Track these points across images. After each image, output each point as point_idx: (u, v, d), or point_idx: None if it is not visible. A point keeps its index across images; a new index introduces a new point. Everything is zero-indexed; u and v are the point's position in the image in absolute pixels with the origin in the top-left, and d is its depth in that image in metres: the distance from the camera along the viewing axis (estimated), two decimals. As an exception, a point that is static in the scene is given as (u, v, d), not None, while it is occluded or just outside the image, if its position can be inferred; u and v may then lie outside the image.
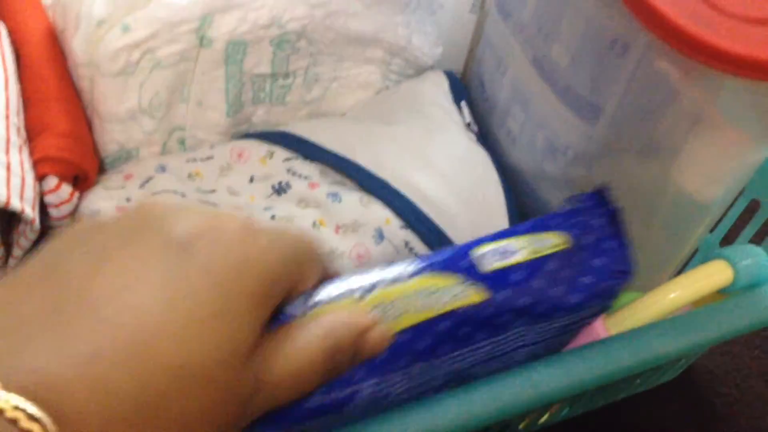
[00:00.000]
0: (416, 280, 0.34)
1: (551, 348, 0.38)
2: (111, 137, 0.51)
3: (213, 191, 0.50)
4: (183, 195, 0.48)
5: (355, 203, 0.50)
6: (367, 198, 0.50)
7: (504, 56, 0.52)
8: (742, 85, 0.40)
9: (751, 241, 0.56)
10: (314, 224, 0.49)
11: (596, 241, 0.38)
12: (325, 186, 0.50)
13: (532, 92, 0.49)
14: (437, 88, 0.58)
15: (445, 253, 0.36)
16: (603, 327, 0.43)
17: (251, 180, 0.51)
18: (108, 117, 0.49)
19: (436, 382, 0.34)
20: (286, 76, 0.54)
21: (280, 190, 0.51)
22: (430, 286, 0.34)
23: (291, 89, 0.55)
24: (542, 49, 0.47)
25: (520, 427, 0.51)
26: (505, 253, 0.36)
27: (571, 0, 0.43)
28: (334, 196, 0.50)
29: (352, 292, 0.33)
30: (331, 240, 0.48)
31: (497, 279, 0.35)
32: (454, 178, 0.52)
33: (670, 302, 0.44)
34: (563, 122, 0.47)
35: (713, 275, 0.45)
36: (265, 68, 0.52)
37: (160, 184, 0.49)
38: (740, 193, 0.57)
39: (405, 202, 0.50)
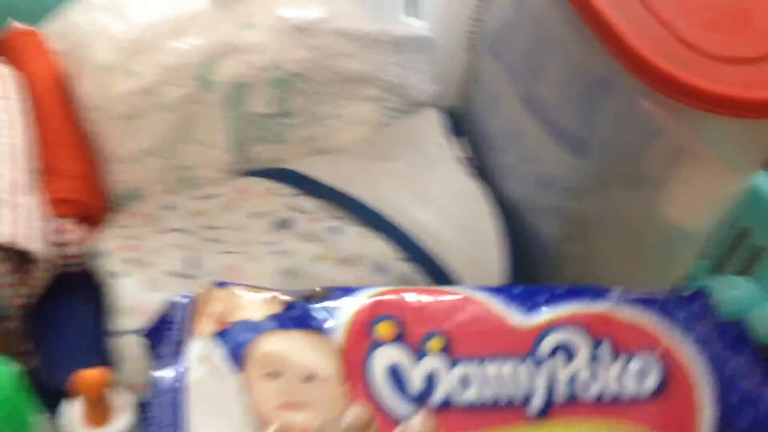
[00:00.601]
0: None
1: None
2: (118, 177, 0.52)
3: (217, 228, 0.52)
4: (189, 233, 0.50)
5: (355, 237, 0.51)
6: (366, 232, 0.52)
7: (496, 93, 0.54)
8: (720, 122, 0.42)
9: (742, 266, 0.58)
10: (316, 258, 0.51)
11: None
12: (326, 221, 0.52)
13: (523, 128, 0.51)
14: (432, 124, 0.60)
15: None
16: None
17: (254, 216, 0.53)
18: (114, 158, 0.51)
19: None
20: (286, 115, 0.56)
21: (282, 225, 0.52)
22: None
23: (291, 127, 0.57)
24: (531, 87, 0.49)
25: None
26: None
27: (557, 41, 0.45)
28: (335, 231, 0.52)
29: None
30: (332, 273, 0.50)
31: None
32: (449, 210, 0.54)
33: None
34: (553, 157, 0.49)
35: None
36: (265, 108, 0.54)
37: (166, 223, 0.51)
38: (730, 222, 0.59)
39: (403, 235, 0.52)
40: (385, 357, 0.35)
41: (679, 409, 0.36)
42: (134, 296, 0.45)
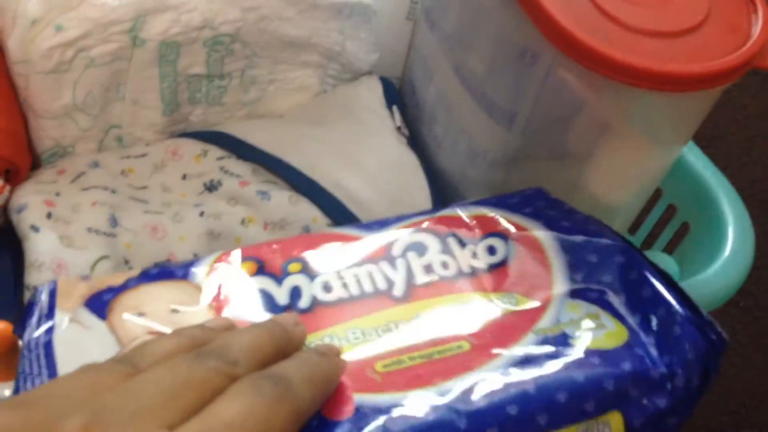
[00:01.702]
0: None
1: None
2: (46, 133, 0.52)
3: (145, 188, 0.52)
4: (114, 191, 0.50)
5: (284, 202, 0.51)
6: (296, 197, 0.52)
7: (430, 63, 0.54)
8: (644, 96, 0.42)
9: (669, 243, 0.59)
10: (243, 221, 0.50)
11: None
12: (256, 184, 0.52)
13: (455, 99, 0.51)
14: (371, 92, 0.60)
15: None
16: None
17: (184, 177, 0.53)
18: (43, 113, 0.51)
19: None
20: (222, 77, 0.55)
21: (211, 187, 0.52)
22: None
23: (227, 90, 0.57)
24: (462, 58, 0.49)
25: None
26: None
27: (485, 11, 0.45)
28: (264, 195, 0.51)
29: None
30: (259, 237, 0.50)
31: None
32: (382, 180, 0.54)
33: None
34: (482, 128, 0.49)
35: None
36: (199, 69, 0.54)
37: (91, 180, 0.50)
38: (659, 197, 0.60)
39: (333, 201, 0.52)
40: (250, 286, 0.37)
41: (532, 266, 0.39)
42: (51, 252, 0.44)
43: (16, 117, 0.50)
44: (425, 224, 0.41)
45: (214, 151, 0.54)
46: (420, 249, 0.39)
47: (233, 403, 0.26)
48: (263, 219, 0.51)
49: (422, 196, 0.54)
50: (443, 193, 0.55)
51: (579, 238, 0.39)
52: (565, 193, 0.49)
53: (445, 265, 0.39)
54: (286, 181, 0.53)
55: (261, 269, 0.38)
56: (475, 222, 0.41)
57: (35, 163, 0.53)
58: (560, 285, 0.38)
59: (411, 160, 0.56)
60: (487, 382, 0.32)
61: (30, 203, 0.46)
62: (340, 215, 0.51)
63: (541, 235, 0.40)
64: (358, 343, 0.34)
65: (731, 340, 0.90)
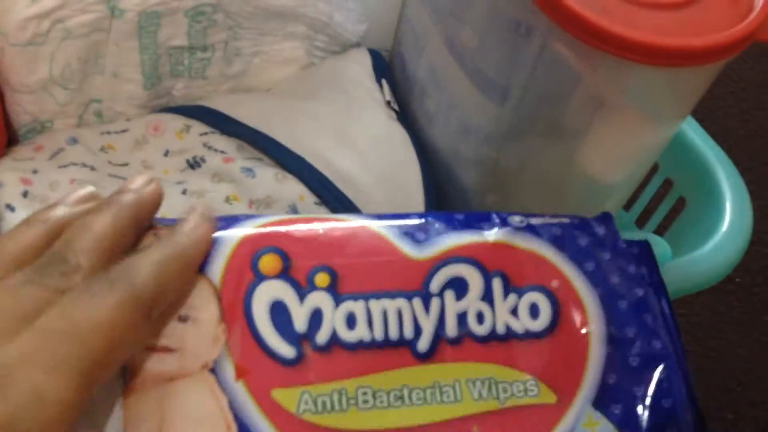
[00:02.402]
0: None
1: None
2: (23, 108, 0.50)
3: (125, 165, 0.50)
4: (93, 168, 0.48)
5: (270, 179, 0.50)
6: (282, 174, 0.50)
7: (421, 36, 0.52)
8: (641, 70, 0.40)
9: (665, 219, 0.58)
10: (227, 199, 0.49)
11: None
12: (240, 161, 0.50)
13: (446, 73, 0.50)
14: (360, 65, 0.58)
15: None
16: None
17: (166, 154, 0.51)
18: (19, 87, 0.49)
19: None
20: (204, 49, 0.53)
21: (194, 164, 0.50)
22: None
23: (211, 63, 0.55)
24: (454, 30, 0.47)
25: None
26: None
27: (479, -18, 0.44)
28: (249, 171, 0.50)
29: None
30: (243, 215, 0.48)
31: None
32: (371, 156, 0.52)
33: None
34: (474, 103, 0.48)
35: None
36: (181, 41, 0.52)
37: (70, 157, 0.49)
38: (655, 172, 0.58)
39: (320, 178, 0.50)
40: (269, 292, 0.33)
41: (569, 346, 0.34)
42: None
43: (-10, 91, 0.48)
44: (474, 245, 0.36)
45: (198, 127, 0.52)
46: (460, 288, 0.34)
47: (69, 310, 0.27)
48: (248, 197, 0.49)
49: (413, 174, 0.53)
50: (434, 170, 0.54)
51: (626, 327, 0.35)
52: (559, 171, 0.48)
53: (480, 319, 0.34)
54: (272, 157, 0.51)
55: (285, 271, 0.33)
56: (525, 260, 0.36)
57: (12, 140, 0.51)
58: (589, 386, 0.34)
59: (401, 135, 0.54)
60: None
61: (5, 181, 0.45)
62: (327, 193, 0.50)
63: (593, 312, 0.35)
64: (368, 409, 0.32)
65: (728, 317, 0.90)
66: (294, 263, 0.34)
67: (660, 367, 0.34)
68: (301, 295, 0.33)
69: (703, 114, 1.06)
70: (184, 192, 0.48)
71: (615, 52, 0.39)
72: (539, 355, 0.34)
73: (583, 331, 0.35)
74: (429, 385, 0.33)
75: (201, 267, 0.33)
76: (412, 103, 0.56)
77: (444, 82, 0.51)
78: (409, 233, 0.35)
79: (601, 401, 0.33)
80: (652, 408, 0.34)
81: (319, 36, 0.58)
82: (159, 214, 0.47)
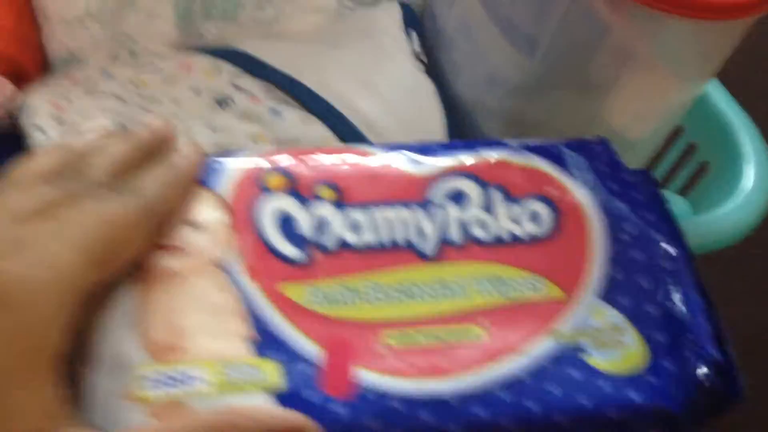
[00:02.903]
0: None
1: None
2: (58, 40, 0.51)
3: (156, 100, 0.51)
4: (124, 101, 0.49)
5: (296, 121, 0.50)
6: (308, 117, 0.51)
7: (453, -15, 0.53)
8: (673, 24, 0.41)
9: (688, 181, 0.58)
10: (254, 138, 0.50)
11: None
12: (268, 102, 0.51)
13: (476, 23, 0.50)
14: (389, 16, 0.58)
15: None
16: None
17: (194, 91, 0.52)
18: (56, 19, 0.50)
19: None
20: (237, -9, 0.54)
21: (222, 103, 0.51)
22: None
23: (243, 7, 0.55)
24: (486, -21, 0.48)
25: None
26: None
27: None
28: (276, 113, 0.51)
29: None
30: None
31: None
32: (397, 104, 0.53)
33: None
34: (503, 55, 0.48)
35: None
36: (214, -20, 0.52)
37: (102, 88, 0.49)
38: (680, 135, 0.58)
39: (345, 123, 0.51)
40: (275, 204, 0.35)
41: (573, 246, 0.36)
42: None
43: (26, 20, 0.49)
44: (471, 162, 0.38)
45: (227, 68, 0.53)
46: (460, 199, 0.36)
47: (81, 205, 0.30)
48: (274, 137, 0.50)
49: (436, 123, 0.53)
50: (458, 121, 0.54)
51: (631, 227, 0.37)
52: (583, 124, 0.48)
53: (483, 226, 0.36)
54: (299, 101, 0.52)
55: (291, 188, 0.35)
56: (524, 174, 0.38)
57: (48, 71, 0.52)
58: (594, 281, 0.35)
59: (427, 86, 0.55)
60: (492, 394, 0.31)
61: (37, 104, 0.46)
62: (352, 138, 0.50)
63: (593, 213, 0.37)
64: (374, 301, 0.33)
65: (746, 283, 0.89)
66: (299, 181, 0.36)
67: (667, 265, 0.36)
68: (307, 206, 0.35)
69: (731, 80, 1.03)
70: (213, 130, 0.49)
71: (645, 2, 0.39)
72: (543, 256, 0.35)
73: (586, 231, 0.36)
74: (435, 282, 0.34)
75: (211, 184, 0.35)
76: (440, 56, 0.57)
77: (473, 34, 0.51)
78: (410, 156, 0.38)
79: (610, 294, 0.35)
80: (663, 305, 0.35)
81: (350, -15, 0.58)
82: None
